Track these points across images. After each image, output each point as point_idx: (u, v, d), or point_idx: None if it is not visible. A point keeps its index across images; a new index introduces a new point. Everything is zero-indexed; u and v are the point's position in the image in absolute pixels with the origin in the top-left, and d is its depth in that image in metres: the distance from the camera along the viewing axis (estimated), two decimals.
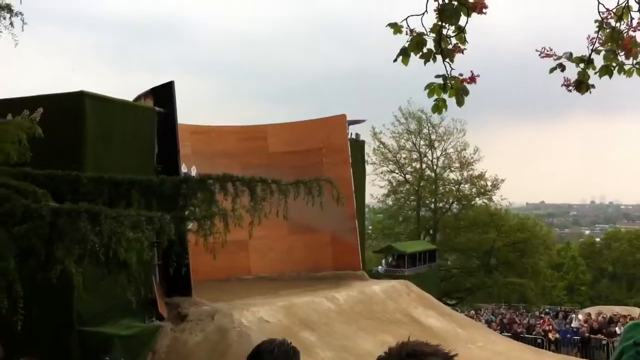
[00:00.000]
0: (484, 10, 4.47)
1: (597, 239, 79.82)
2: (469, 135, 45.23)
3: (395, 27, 4.49)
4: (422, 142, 44.82)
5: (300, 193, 8.30)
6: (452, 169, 45.05)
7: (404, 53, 4.55)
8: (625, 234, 72.20)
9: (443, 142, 44.79)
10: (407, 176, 45.00)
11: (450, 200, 45.25)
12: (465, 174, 44.74)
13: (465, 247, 43.15)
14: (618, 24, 4.98)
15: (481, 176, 44.42)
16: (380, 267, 32.10)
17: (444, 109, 4.86)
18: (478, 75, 4.60)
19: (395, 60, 4.58)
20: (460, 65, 4.61)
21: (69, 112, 11.14)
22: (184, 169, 14.21)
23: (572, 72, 5.05)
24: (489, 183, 44.47)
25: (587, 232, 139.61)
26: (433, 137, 44.66)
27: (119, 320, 11.15)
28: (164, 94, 13.63)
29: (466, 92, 4.65)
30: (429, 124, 44.09)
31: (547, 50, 4.99)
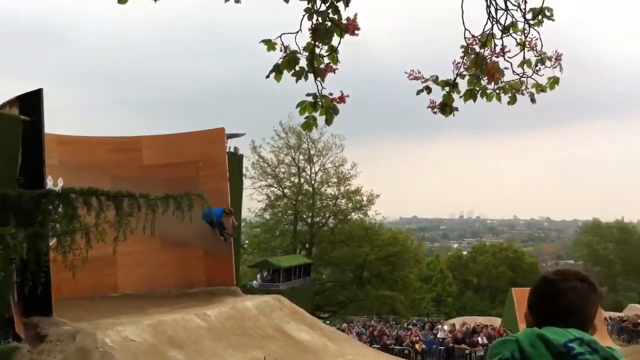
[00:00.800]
0: (356, 32, 4.58)
1: (464, 253, 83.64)
2: (347, 151, 46.29)
3: (269, 44, 4.50)
4: (301, 157, 45.41)
5: (169, 207, 8.11)
6: (330, 184, 45.86)
7: (277, 70, 4.58)
8: (489, 247, 76.32)
9: (322, 158, 45.59)
10: (285, 190, 45.30)
11: (327, 215, 45.95)
12: (342, 189, 45.68)
13: (340, 261, 43.99)
14: (482, 50, 5.25)
15: (357, 191, 45.49)
16: (255, 281, 31.96)
17: (314, 127, 4.92)
18: (347, 96, 4.68)
19: (267, 77, 4.59)
20: (340, 82, 4.69)
21: None
22: (49, 181, 13.51)
23: (439, 94, 5.28)
24: (365, 198, 45.64)
25: (456, 245, 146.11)
26: (312, 152, 45.35)
27: None
28: (30, 102, 12.88)
29: (336, 112, 4.72)
30: (308, 139, 44.71)
31: (415, 73, 5.18)
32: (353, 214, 46.00)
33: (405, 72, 5.19)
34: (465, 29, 5.18)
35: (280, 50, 4.55)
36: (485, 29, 5.23)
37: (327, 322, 30.31)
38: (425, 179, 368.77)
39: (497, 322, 37.19)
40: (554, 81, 5.42)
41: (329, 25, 4.54)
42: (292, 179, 45.53)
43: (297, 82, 4.66)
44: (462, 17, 5.03)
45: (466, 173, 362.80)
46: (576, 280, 2.00)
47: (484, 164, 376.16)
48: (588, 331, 1.95)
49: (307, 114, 4.77)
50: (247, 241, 45.04)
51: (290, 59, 4.58)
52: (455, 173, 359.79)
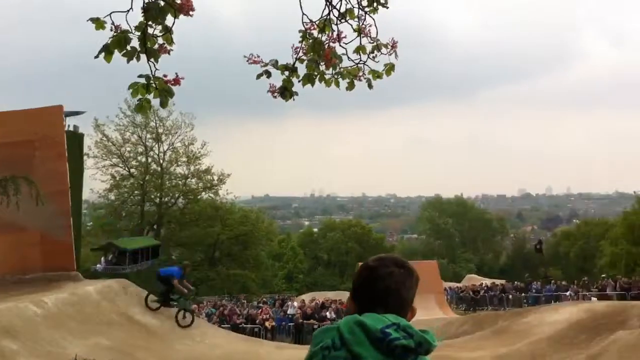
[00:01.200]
0: (190, 13, 4.48)
1: (315, 230, 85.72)
2: (198, 130, 45.61)
3: (98, 23, 4.28)
4: (148, 136, 44.11)
5: None
6: (179, 163, 44.99)
7: (106, 50, 4.37)
8: (339, 224, 79.07)
9: (171, 136, 44.59)
10: (132, 170, 43.80)
11: (177, 195, 45.03)
12: (192, 168, 44.98)
13: (190, 241, 43.43)
14: (320, 35, 5.33)
15: (208, 170, 45.02)
16: (99, 265, 30.68)
17: (148, 110, 4.77)
18: (182, 78, 4.55)
19: (96, 57, 4.38)
20: (185, 61, 4.57)
21: None
22: None
23: (279, 78, 5.29)
24: (216, 177, 45.23)
25: (307, 223, 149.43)
26: (160, 130, 44.20)
27: None
28: None
29: (171, 94, 4.59)
30: (156, 117, 43.49)
31: (255, 57, 5.17)
32: (203, 193, 45.50)
33: (245, 56, 5.16)
34: (303, 14, 5.23)
35: (111, 30, 4.35)
36: (324, 15, 5.29)
37: (176, 304, 29.77)
38: (277, 158, 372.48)
39: (345, 296, 38.36)
40: (390, 68, 5.58)
41: (162, 5, 4.39)
42: (139, 158, 44.18)
43: (128, 62, 4.46)
44: (300, 1, 5.08)
45: (317, 152, 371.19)
46: (393, 265, 2.08)
47: (334, 142, 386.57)
48: (406, 315, 2.05)
49: (139, 96, 4.59)
50: (90, 223, 43.24)
51: (120, 39, 4.38)
52: (307, 152, 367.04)
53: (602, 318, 14.88)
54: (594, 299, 29.57)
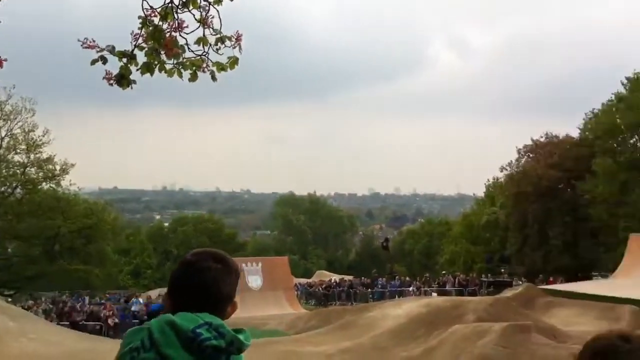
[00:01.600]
0: None
1: (166, 224, 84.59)
2: (40, 116, 42.90)
3: None
4: None
5: None
6: (18, 150, 42.20)
7: None
8: (191, 218, 78.68)
9: (9, 122, 41.68)
10: None
11: (14, 184, 42.27)
12: (32, 156, 42.36)
13: (28, 234, 41.07)
14: (161, 23, 5.07)
15: (50, 160, 42.64)
16: None
17: None
18: (6, 59, 4.22)
19: None
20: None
21: None
22: None
23: (117, 65, 5.00)
24: (58, 167, 42.97)
25: (158, 217, 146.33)
26: None
27: None
28: None
29: None
30: None
31: (90, 42, 4.84)
32: (44, 183, 43.02)
33: (79, 40, 4.81)
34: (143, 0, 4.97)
35: None
36: (165, 2, 5.06)
37: (8, 300, 27.97)
38: (128, 149, 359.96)
39: None
40: (234, 61, 5.45)
41: None
42: None
43: None
44: None
45: (169, 144, 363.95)
46: (211, 260, 1.99)
47: (188, 136, 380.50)
48: (225, 311, 1.98)
49: None
50: None
51: None
52: (159, 144, 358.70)
53: (440, 312, 15.72)
54: (434, 294, 31.38)
